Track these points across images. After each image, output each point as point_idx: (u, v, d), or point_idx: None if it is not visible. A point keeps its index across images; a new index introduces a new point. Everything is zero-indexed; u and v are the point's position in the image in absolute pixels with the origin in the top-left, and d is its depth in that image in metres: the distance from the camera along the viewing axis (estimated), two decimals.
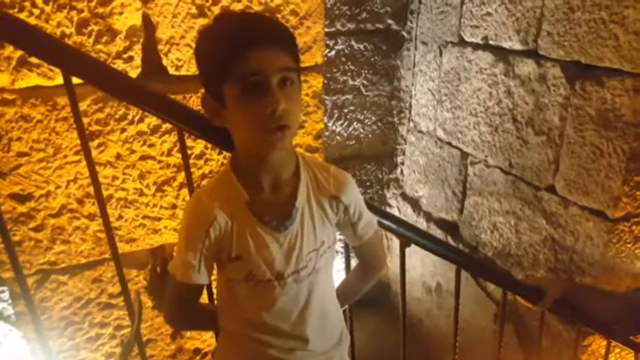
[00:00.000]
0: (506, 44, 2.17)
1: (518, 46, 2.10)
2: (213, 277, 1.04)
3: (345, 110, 2.96)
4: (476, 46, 2.37)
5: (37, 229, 1.46)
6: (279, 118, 0.85)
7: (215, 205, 0.94)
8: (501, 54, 2.21)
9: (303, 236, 0.99)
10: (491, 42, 2.26)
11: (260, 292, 0.99)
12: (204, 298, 1.18)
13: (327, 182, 1.02)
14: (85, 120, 1.41)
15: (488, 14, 2.24)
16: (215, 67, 0.85)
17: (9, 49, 1.27)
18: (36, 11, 1.28)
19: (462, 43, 2.47)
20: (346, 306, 1.27)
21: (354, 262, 1.28)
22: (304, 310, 1.03)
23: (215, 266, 1.02)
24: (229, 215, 0.95)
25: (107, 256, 1.55)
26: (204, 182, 1.63)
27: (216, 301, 1.14)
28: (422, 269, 3.03)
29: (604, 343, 1.84)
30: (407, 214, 3.16)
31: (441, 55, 2.66)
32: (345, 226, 1.07)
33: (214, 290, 1.73)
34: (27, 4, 1.27)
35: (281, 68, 0.85)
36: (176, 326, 1.06)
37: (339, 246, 2.15)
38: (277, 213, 0.97)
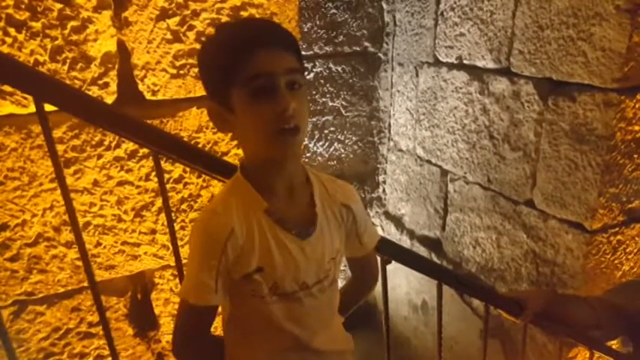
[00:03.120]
0: (480, 63, 2.21)
1: (491, 65, 2.15)
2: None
3: (326, 131, 2.98)
4: (451, 66, 2.42)
5: (12, 259, 1.44)
6: (289, 119, 0.82)
7: (232, 216, 0.88)
8: (476, 73, 2.25)
9: (323, 243, 0.96)
10: (465, 61, 2.31)
11: (284, 306, 0.94)
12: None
13: (336, 191, 1.01)
14: (61, 147, 1.40)
15: (462, 35, 2.29)
16: (222, 71, 0.83)
17: None
18: (8, 39, 1.28)
19: (437, 63, 2.52)
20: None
21: None
22: (324, 323, 1.00)
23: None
24: (249, 225, 0.89)
25: (86, 284, 1.53)
26: (183, 206, 1.62)
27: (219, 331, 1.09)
28: (407, 287, 3.02)
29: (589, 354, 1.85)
30: (390, 232, 3.16)
31: (417, 75, 2.70)
32: (352, 236, 1.05)
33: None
34: None
35: (288, 70, 0.83)
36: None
37: None
38: (298, 220, 0.94)
